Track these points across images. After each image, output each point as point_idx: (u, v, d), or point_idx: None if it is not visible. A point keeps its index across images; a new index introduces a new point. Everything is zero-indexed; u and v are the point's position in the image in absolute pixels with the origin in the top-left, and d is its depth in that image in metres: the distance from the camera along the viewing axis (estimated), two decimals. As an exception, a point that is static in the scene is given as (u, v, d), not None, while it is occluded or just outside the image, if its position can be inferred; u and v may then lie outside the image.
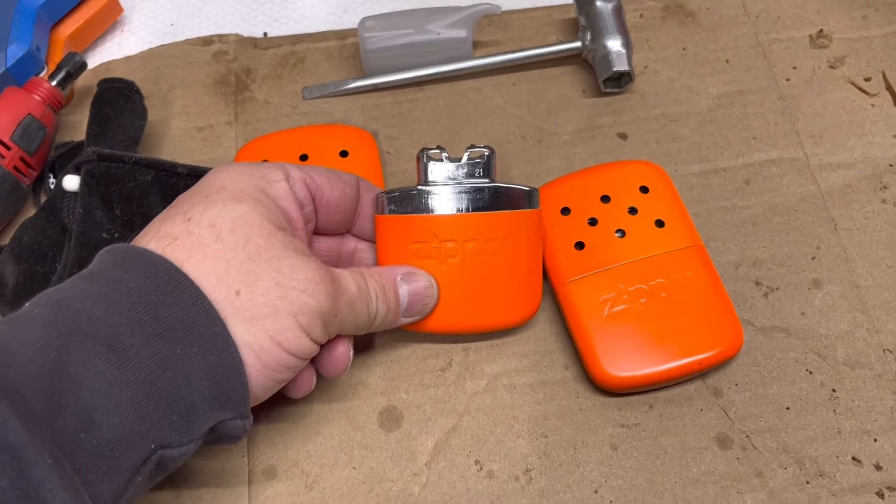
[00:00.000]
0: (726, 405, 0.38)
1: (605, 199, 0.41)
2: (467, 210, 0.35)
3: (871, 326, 0.40)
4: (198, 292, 0.28)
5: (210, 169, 0.41)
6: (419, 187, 0.36)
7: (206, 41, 0.50)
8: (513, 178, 0.45)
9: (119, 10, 0.51)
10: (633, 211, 0.41)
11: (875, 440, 0.37)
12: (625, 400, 0.38)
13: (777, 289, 0.41)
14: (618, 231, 0.40)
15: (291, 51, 0.50)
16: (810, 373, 0.39)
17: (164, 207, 0.40)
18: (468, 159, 0.36)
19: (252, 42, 0.50)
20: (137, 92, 0.44)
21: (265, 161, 0.43)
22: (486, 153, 0.36)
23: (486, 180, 0.36)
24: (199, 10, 0.53)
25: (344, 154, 0.43)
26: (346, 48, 0.50)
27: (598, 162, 0.45)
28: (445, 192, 0.35)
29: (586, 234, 0.40)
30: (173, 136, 0.47)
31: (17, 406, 0.23)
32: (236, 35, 0.51)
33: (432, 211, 0.36)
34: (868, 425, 0.37)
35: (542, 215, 0.41)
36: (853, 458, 0.37)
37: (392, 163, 0.45)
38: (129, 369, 0.26)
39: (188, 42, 0.50)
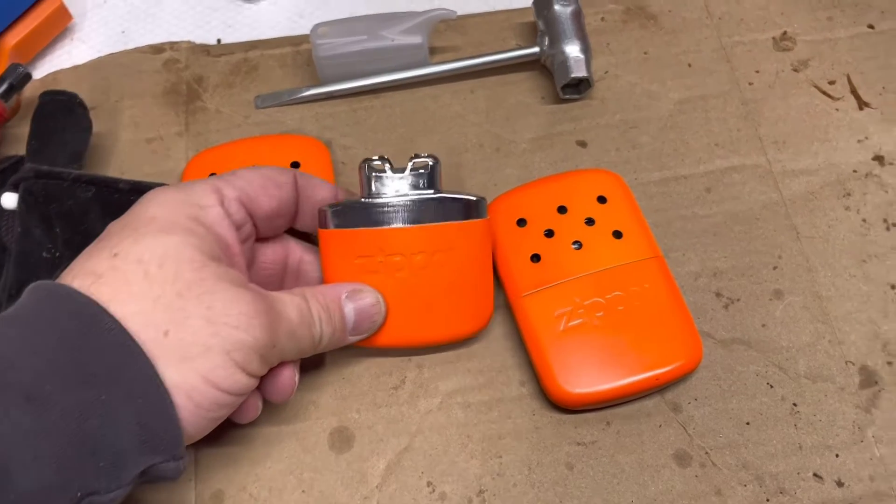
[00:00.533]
0: (685, 421, 0.37)
1: (562, 209, 0.40)
2: (413, 223, 0.34)
3: (834, 338, 0.39)
4: (123, 334, 0.27)
5: (155, 184, 0.40)
6: (362, 200, 0.35)
7: (157, 49, 0.49)
8: (471, 187, 0.44)
9: (68, 17, 0.50)
10: (590, 222, 0.40)
11: (837, 455, 0.36)
12: (581, 417, 0.37)
13: (738, 300, 0.40)
14: (574, 243, 0.39)
15: (244, 58, 0.49)
16: (771, 386, 0.38)
17: (105, 225, 0.39)
18: (412, 169, 0.35)
19: (204, 49, 0.49)
20: (81, 104, 0.43)
21: (212, 174, 0.41)
22: (430, 163, 0.35)
23: (432, 191, 0.35)
24: (152, 16, 0.51)
25: (296, 165, 0.42)
26: (301, 55, 0.49)
27: (556, 170, 0.44)
28: (389, 205, 0.34)
29: (542, 246, 0.39)
30: (121, 149, 0.45)
31: None
32: (188, 42, 0.49)
33: (377, 224, 0.34)
34: (829, 440, 0.37)
35: (498, 227, 0.40)
36: (814, 475, 0.36)
37: (346, 173, 0.44)
38: (48, 419, 0.25)
39: (138, 50, 0.49)
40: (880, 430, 0.37)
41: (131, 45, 0.50)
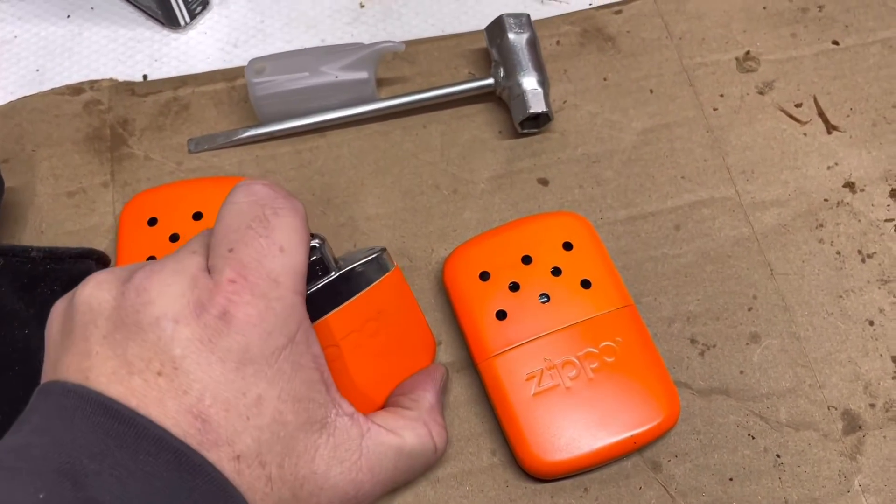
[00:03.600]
0: (666, 480, 0.35)
1: (527, 259, 0.37)
2: (329, 311, 0.31)
3: (814, 382, 0.37)
4: None
5: (73, 250, 0.36)
6: None
7: (76, 90, 0.45)
8: (428, 234, 0.41)
9: (-27, 56, 0.45)
10: (556, 272, 0.37)
11: (823, 510, 0.35)
12: (558, 485, 0.35)
13: (714, 346, 0.38)
14: (542, 296, 0.37)
15: (174, 96, 0.45)
16: (753, 438, 0.36)
17: (18, 298, 0.35)
18: None
19: (129, 88, 0.45)
20: (-11, 162, 0.39)
21: (152, 219, 0.38)
22: (317, 244, 0.31)
23: (331, 273, 0.31)
24: (69, 50, 0.47)
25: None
26: (236, 91, 0.45)
27: (518, 212, 0.41)
28: None
29: (508, 302, 0.37)
30: (40, 204, 0.41)
31: None
32: (110, 80, 0.45)
33: None
34: (815, 492, 0.35)
35: (461, 281, 0.37)
36: (801, 532, 0.34)
37: (292, 223, 0.41)
38: None
39: (55, 92, 0.44)
40: (866, 477, 0.35)
41: (47, 86, 0.45)
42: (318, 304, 0.31)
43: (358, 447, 0.28)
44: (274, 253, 0.26)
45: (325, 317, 0.31)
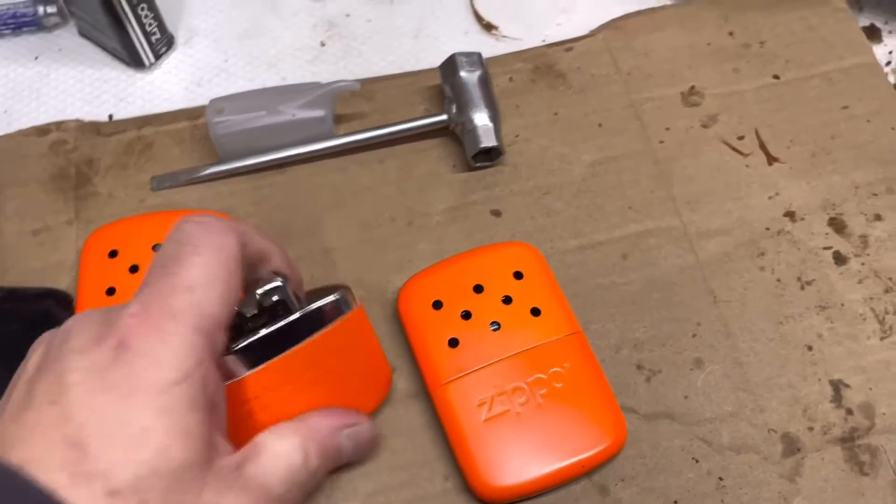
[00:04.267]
0: (614, 504, 0.36)
1: (479, 288, 0.39)
2: (287, 350, 0.32)
3: (756, 405, 0.38)
4: None
5: (31, 290, 0.37)
6: (234, 349, 0.32)
7: (43, 130, 0.46)
8: (385, 265, 0.42)
9: (-59, 97, 0.46)
10: (507, 300, 0.38)
11: (764, 529, 0.36)
12: (509, 509, 0.36)
13: (659, 371, 0.39)
14: (493, 324, 0.38)
15: (138, 136, 0.46)
16: (696, 461, 0.37)
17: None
18: (261, 297, 0.32)
19: (94, 128, 0.46)
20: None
21: (113, 251, 0.39)
22: (278, 285, 0.32)
23: (293, 313, 0.32)
24: (37, 91, 0.48)
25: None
26: (199, 129, 0.46)
27: (472, 242, 0.43)
28: (260, 344, 0.32)
29: (460, 330, 0.38)
30: (5, 243, 0.42)
31: None
32: (76, 121, 0.46)
33: (257, 365, 0.32)
34: (757, 513, 0.36)
35: (413, 310, 0.39)
36: (744, 552, 0.35)
37: (252, 257, 0.42)
38: None
39: (21, 133, 0.46)
40: (805, 499, 0.36)
41: (15, 127, 0.46)
42: (276, 343, 0.32)
43: (241, 476, 0.28)
44: (179, 291, 0.27)
45: (279, 357, 0.32)
